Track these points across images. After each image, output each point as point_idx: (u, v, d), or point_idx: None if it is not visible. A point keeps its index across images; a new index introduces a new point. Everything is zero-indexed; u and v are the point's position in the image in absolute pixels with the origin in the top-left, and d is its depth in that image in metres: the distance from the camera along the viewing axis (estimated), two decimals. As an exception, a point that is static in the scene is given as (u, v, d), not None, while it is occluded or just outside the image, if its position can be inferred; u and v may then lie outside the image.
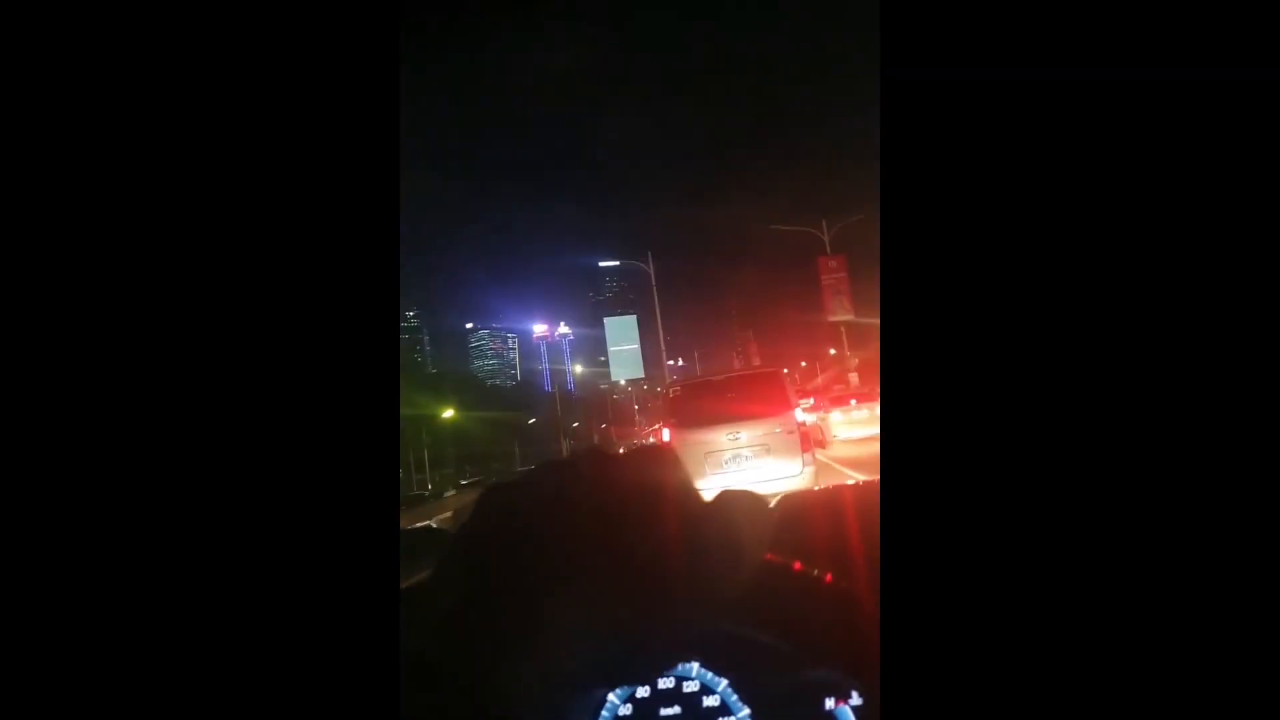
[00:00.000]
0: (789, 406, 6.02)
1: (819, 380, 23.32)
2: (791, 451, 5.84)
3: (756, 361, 32.01)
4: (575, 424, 46.30)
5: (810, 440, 6.15)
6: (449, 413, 30.14)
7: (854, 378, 18.31)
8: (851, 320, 20.38)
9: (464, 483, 25.39)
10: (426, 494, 23.57)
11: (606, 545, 0.27)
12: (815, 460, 6.09)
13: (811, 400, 12.98)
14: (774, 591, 0.44)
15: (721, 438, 5.85)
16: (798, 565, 0.52)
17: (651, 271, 25.53)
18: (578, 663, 0.26)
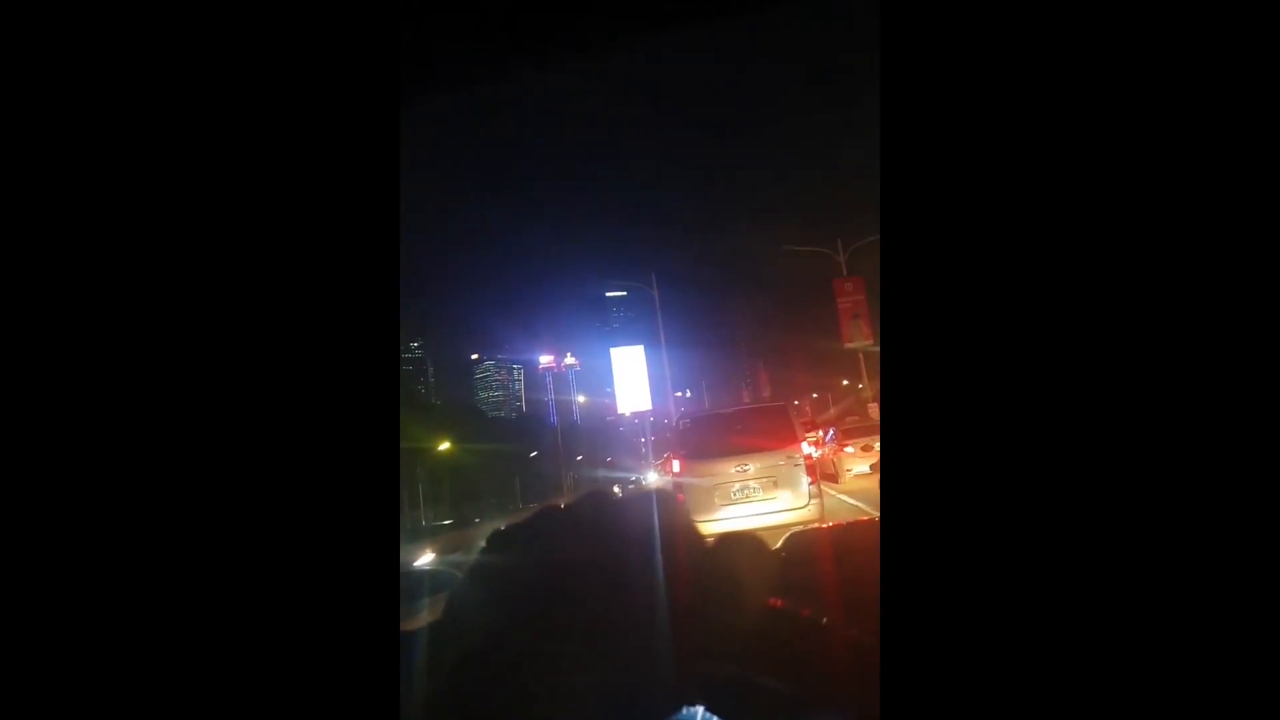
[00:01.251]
0: (795, 440, 6.07)
1: (831, 412, 22.73)
2: (798, 484, 5.87)
3: (766, 393, 31.79)
4: (579, 457, 45.90)
5: (817, 473, 6.16)
6: (446, 445, 29.87)
7: (874, 409, 17.61)
8: (870, 347, 18.61)
9: (447, 522, 24.71)
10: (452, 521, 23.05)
11: (612, 589, 0.27)
12: (822, 493, 6.10)
13: (821, 433, 12.70)
14: (778, 635, 0.42)
15: (730, 469, 5.86)
16: (805, 612, 0.51)
17: (656, 297, 25.43)
18: (584, 705, 0.26)
